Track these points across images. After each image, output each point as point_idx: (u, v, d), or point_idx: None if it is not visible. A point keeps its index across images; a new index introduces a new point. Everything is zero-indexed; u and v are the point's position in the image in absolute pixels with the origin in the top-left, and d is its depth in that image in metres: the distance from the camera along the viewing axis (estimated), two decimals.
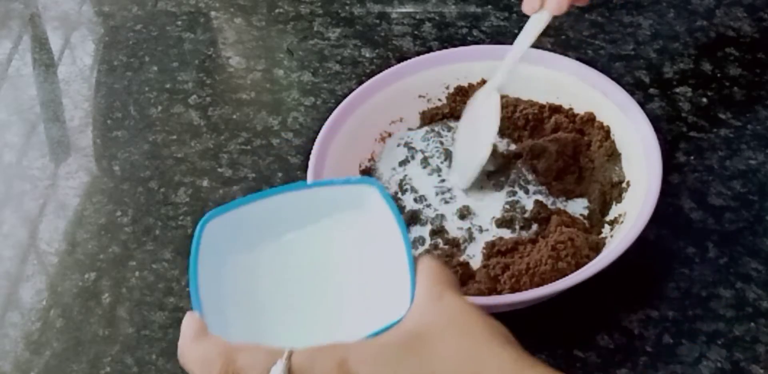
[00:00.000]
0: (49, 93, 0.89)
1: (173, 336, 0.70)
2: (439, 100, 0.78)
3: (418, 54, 0.83)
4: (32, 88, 0.89)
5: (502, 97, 0.73)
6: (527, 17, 0.86)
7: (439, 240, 0.70)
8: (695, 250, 0.71)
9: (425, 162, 0.74)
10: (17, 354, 0.70)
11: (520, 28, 0.85)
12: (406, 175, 0.74)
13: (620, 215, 0.69)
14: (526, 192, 0.71)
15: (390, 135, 0.77)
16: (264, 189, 0.77)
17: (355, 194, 0.55)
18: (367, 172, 0.75)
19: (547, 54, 0.76)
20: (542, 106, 0.76)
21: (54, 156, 0.83)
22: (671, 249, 0.69)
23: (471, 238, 0.70)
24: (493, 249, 0.68)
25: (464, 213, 0.71)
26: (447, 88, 0.78)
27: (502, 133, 0.75)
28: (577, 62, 0.74)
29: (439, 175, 0.73)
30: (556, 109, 0.76)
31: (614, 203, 0.70)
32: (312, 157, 0.70)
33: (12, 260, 0.76)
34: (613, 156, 0.72)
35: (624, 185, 0.70)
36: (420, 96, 0.78)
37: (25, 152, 0.84)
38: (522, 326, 0.51)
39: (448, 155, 0.74)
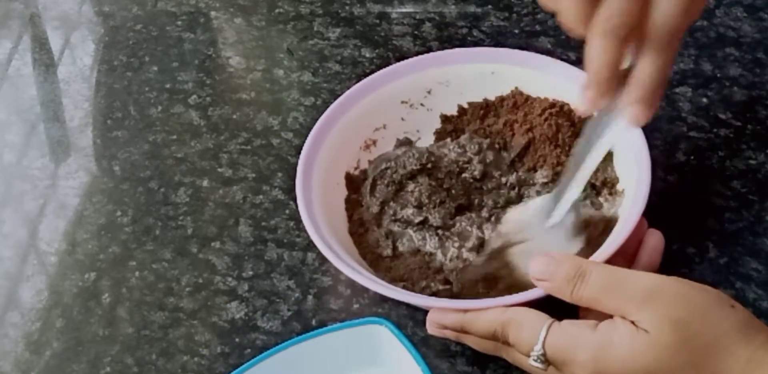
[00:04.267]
0: (49, 93, 0.89)
1: (173, 336, 0.70)
2: (422, 104, 0.77)
3: (418, 54, 0.82)
4: (32, 88, 0.90)
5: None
6: (527, 17, 0.87)
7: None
8: (695, 250, 0.70)
9: None
10: (17, 354, 0.70)
11: (520, 28, 0.87)
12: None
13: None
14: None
15: (375, 143, 0.77)
16: (264, 188, 0.77)
17: (366, 335, 0.56)
18: (353, 180, 0.75)
19: (542, 58, 0.76)
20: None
21: (54, 156, 0.84)
22: (671, 249, 0.68)
23: None
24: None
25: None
26: (429, 92, 0.77)
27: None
28: (566, 64, 0.74)
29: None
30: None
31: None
32: (299, 171, 0.70)
33: (12, 260, 0.76)
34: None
35: (618, 187, 0.70)
36: (402, 102, 0.77)
37: (26, 152, 0.84)
38: None
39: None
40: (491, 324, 0.58)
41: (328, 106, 0.81)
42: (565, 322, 0.56)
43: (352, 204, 0.73)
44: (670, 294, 0.53)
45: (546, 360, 0.56)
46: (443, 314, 0.61)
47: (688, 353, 0.52)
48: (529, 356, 0.56)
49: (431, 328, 0.62)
